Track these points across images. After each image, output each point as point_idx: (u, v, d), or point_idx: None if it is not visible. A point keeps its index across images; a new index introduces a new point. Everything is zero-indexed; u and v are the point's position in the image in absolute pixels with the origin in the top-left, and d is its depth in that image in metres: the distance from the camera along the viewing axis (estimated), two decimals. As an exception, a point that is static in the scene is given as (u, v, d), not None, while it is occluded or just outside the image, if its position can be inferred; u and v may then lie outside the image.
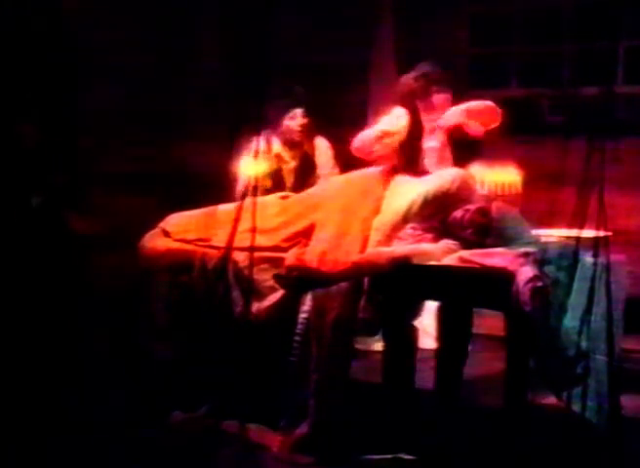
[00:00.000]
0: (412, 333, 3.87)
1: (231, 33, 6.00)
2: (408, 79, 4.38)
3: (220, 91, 5.92)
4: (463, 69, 6.67)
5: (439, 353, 4.07)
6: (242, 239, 3.40)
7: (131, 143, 5.57)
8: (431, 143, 4.41)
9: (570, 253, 3.28)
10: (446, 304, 4.04)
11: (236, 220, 3.15)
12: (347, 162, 4.71)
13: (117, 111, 5.46)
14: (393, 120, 4.36)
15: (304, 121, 4.75)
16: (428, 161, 4.39)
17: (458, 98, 4.38)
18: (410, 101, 4.37)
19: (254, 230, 3.33)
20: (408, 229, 3.82)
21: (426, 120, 4.39)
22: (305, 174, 4.84)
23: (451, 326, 4.08)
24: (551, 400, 3.54)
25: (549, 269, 3.43)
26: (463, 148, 4.32)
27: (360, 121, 5.01)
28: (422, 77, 4.33)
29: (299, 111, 4.72)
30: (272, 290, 3.80)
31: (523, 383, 3.47)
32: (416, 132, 4.34)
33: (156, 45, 5.69)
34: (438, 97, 4.33)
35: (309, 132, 4.87)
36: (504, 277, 3.37)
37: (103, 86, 5.39)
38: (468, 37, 6.68)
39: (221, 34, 6.13)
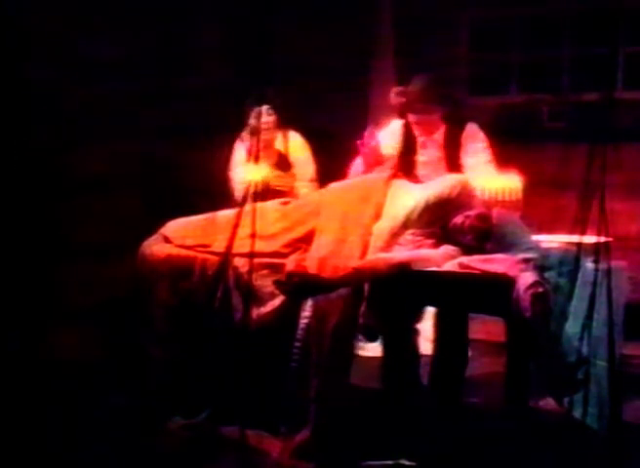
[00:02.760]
0: (412, 339, 3.86)
1: (230, 34, 5.98)
2: (392, 93, 4.40)
3: (217, 92, 5.88)
4: (463, 75, 6.69)
5: (435, 359, 4.06)
6: (242, 245, 3.40)
7: (119, 143, 5.45)
8: (421, 158, 4.45)
9: (571, 259, 3.28)
10: (443, 310, 4.04)
11: (235, 226, 3.15)
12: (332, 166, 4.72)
13: (107, 109, 5.36)
14: (387, 136, 4.42)
15: (269, 119, 4.72)
16: (421, 174, 4.42)
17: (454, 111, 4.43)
18: (400, 114, 4.42)
19: (253, 236, 3.33)
20: (408, 235, 3.81)
21: (417, 134, 4.44)
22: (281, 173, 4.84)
23: (447, 332, 4.07)
24: (552, 405, 3.54)
25: (550, 275, 3.43)
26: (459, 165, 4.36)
27: (360, 125, 5.01)
28: (402, 94, 4.36)
29: (263, 109, 4.65)
30: (272, 295, 3.79)
31: (523, 389, 3.46)
32: (409, 145, 4.39)
33: (154, 41, 5.62)
34: (421, 115, 4.39)
35: (278, 129, 4.83)
36: (505, 283, 3.36)
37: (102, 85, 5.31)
38: (468, 43, 6.70)
39: (221, 34, 6.11)
